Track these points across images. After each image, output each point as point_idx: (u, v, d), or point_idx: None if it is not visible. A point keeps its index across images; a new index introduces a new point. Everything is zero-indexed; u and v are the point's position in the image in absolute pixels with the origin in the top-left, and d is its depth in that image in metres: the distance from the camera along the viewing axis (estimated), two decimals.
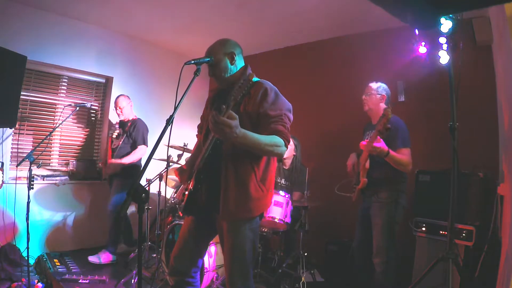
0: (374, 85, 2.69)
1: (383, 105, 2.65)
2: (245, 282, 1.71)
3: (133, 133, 3.64)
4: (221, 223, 1.75)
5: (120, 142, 3.62)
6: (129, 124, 3.70)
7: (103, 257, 3.50)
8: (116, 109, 3.73)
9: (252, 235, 1.73)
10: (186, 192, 1.77)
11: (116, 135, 3.74)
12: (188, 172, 1.90)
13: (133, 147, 3.66)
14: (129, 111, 3.77)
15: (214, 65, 1.76)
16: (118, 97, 3.75)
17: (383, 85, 2.69)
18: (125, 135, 3.65)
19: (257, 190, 1.70)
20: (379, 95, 2.65)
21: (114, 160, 3.54)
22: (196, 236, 1.83)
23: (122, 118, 3.75)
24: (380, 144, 2.29)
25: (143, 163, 3.78)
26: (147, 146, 3.69)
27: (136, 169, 3.68)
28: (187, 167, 1.96)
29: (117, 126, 3.87)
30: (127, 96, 3.79)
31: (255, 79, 1.80)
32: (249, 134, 1.53)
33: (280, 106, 1.70)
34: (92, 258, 3.47)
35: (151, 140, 3.76)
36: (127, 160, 3.55)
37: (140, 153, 3.65)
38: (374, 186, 2.52)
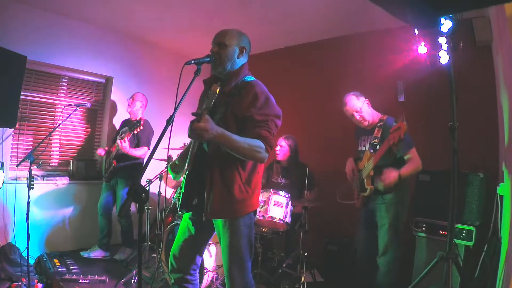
0: (352, 101, 2.61)
1: (373, 111, 2.64)
2: (244, 278, 1.73)
3: (139, 132, 3.55)
4: (217, 221, 1.76)
5: (126, 141, 3.53)
6: (136, 124, 3.57)
7: (94, 254, 3.65)
8: (130, 100, 3.76)
9: (247, 230, 1.75)
10: (180, 191, 1.81)
11: (121, 135, 3.59)
12: (180, 166, 1.92)
13: (136, 147, 3.64)
14: (139, 110, 3.77)
15: (222, 48, 1.73)
16: (138, 92, 3.83)
17: (356, 93, 2.64)
18: (131, 134, 3.52)
19: (242, 191, 1.71)
20: (364, 103, 2.61)
21: (125, 147, 3.40)
22: (194, 234, 1.84)
23: (129, 111, 3.76)
24: (391, 177, 2.30)
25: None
26: (149, 149, 3.68)
27: (140, 169, 3.67)
28: (180, 161, 1.97)
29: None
30: (145, 98, 3.85)
31: (249, 78, 1.80)
32: (227, 134, 1.56)
33: (267, 112, 1.69)
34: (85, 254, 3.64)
35: (152, 140, 3.77)
36: (134, 152, 3.53)
37: (142, 152, 3.63)
38: (379, 191, 2.51)
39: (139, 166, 3.67)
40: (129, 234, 3.77)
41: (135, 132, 3.38)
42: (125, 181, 3.65)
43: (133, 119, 3.74)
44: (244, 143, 1.59)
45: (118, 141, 3.39)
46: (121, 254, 3.69)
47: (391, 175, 2.31)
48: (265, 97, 1.71)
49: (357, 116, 2.62)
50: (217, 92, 1.63)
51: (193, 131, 1.49)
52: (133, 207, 3.77)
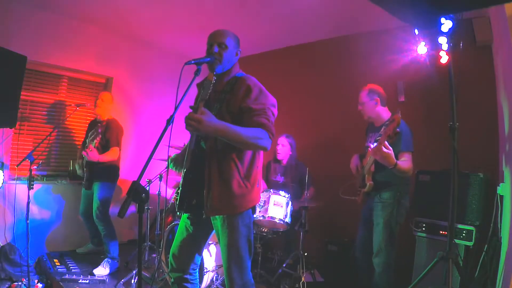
0: (363, 92, 2.68)
1: (381, 108, 2.64)
2: (243, 278, 1.73)
3: (106, 133, 3.40)
4: (216, 220, 1.76)
5: (97, 144, 3.30)
6: (103, 124, 3.43)
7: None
8: (98, 100, 3.47)
9: (246, 230, 1.75)
10: (179, 191, 1.80)
11: (91, 138, 3.42)
12: (180, 162, 1.91)
13: (106, 148, 3.38)
14: (107, 110, 3.53)
15: (222, 49, 1.76)
16: (105, 91, 3.60)
17: (372, 89, 2.64)
18: (99, 136, 3.34)
19: (241, 186, 1.71)
20: (372, 101, 2.62)
21: (93, 157, 3.18)
22: (193, 233, 1.84)
23: (97, 111, 3.48)
24: (390, 151, 2.24)
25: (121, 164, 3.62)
26: (120, 149, 3.45)
27: (116, 170, 3.53)
28: (180, 156, 1.96)
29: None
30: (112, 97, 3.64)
31: (240, 74, 1.84)
32: (228, 126, 1.57)
33: (263, 101, 1.71)
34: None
35: (153, 140, 3.74)
36: (104, 157, 3.28)
37: (113, 155, 3.37)
38: (377, 187, 2.53)
39: (114, 167, 3.50)
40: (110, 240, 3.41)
41: (100, 130, 3.26)
42: (101, 184, 3.39)
43: (98, 119, 3.53)
44: (246, 132, 1.59)
45: (83, 153, 3.19)
46: (101, 268, 3.27)
47: (390, 152, 2.23)
48: (258, 88, 1.73)
49: (359, 107, 2.70)
50: (213, 81, 1.64)
51: (187, 121, 1.49)
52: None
